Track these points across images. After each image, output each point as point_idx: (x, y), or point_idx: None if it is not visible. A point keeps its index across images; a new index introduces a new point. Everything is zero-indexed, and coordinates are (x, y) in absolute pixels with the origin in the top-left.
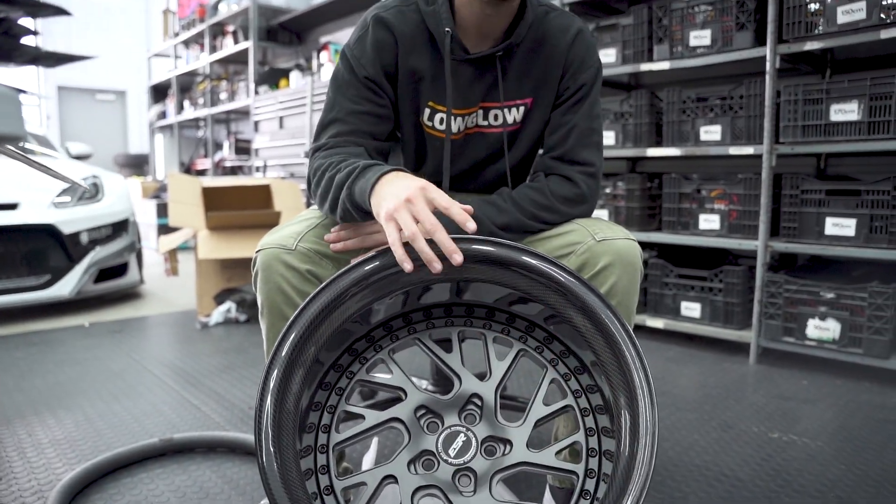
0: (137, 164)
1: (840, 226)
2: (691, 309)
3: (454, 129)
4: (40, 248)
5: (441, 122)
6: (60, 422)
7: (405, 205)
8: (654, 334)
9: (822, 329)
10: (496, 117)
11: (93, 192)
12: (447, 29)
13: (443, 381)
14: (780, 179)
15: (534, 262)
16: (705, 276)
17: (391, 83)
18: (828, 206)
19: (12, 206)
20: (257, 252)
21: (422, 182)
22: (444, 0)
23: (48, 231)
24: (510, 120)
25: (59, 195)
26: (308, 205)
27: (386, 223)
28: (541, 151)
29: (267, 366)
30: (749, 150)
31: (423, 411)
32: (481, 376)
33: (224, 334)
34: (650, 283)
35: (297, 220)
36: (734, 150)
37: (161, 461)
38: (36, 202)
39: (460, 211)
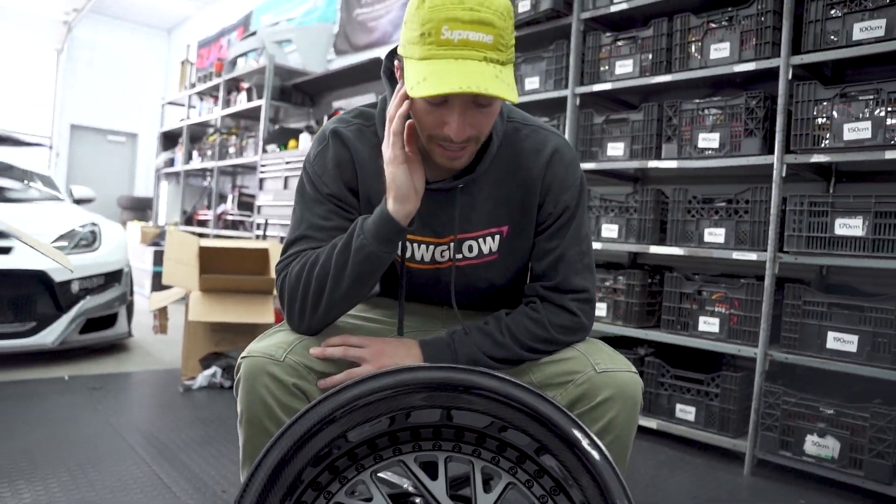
0: (141, 208)
1: (842, 340)
2: (686, 412)
3: (426, 258)
4: (29, 294)
5: (408, 251)
6: (18, 496)
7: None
8: (648, 434)
9: (820, 446)
10: (470, 248)
11: (90, 240)
12: None
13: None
14: (783, 285)
15: (524, 396)
16: (702, 380)
17: (355, 197)
18: (830, 319)
19: (5, 251)
20: (242, 358)
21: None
22: None
23: (39, 278)
24: (485, 250)
25: (55, 241)
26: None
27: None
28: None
29: (244, 485)
30: (752, 256)
31: None
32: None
33: (206, 401)
34: (646, 381)
35: (285, 326)
36: (737, 255)
37: None
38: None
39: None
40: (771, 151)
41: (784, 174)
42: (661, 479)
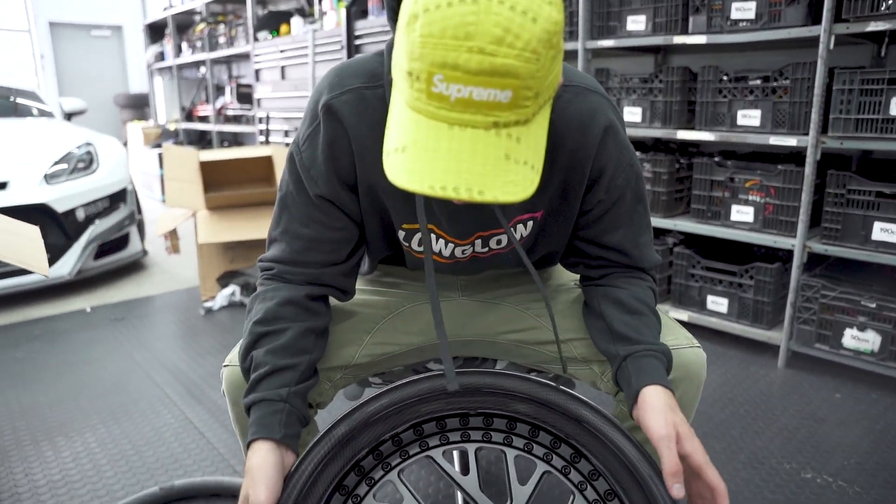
0: (139, 105)
1: (890, 232)
2: (718, 304)
3: (444, 253)
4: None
5: (420, 244)
6: (59, 455)
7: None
8: None
9: (860, 340)
10: (499, 242)
11: (87, 162)
12: None
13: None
14: (824, 171)
15: (559, 399)
16: (735, 272)
17: (353, 192)
18: (877, 209)
19: (1, 186)
20: (224, 366)
21: (252, 476)
22: None
23: (41, 210)
24: (517, 236)
25: (52, 166)
26: None
27: None
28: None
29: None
30: (792, 141)
31: None
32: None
33: (228, 322)
34: (675, 272)
35: None
36: (775, 140)
37: None
38: (27, 179)
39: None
40: (818, 21)
41: (831, 47)
42: None
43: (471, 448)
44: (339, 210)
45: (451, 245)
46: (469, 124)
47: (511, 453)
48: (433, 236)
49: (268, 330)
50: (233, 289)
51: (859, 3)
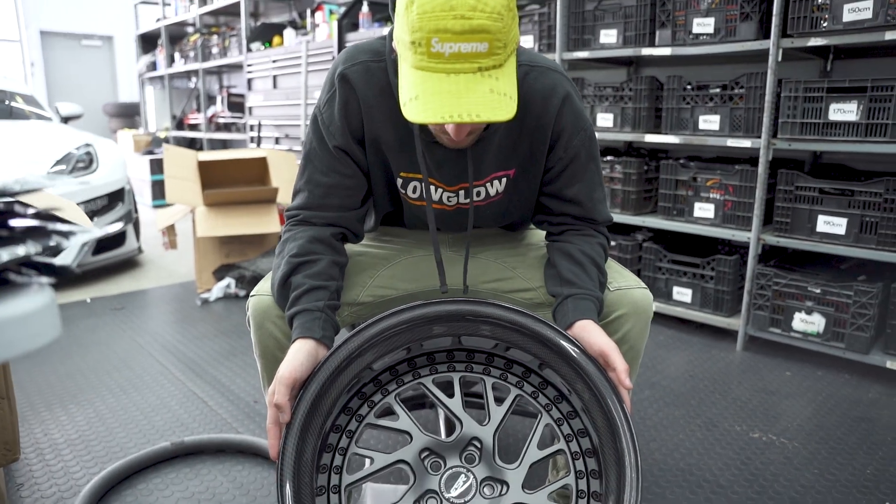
0: (128, 114)
1: (831, 224)
2: (683, 294)
3: (434, 198)
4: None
5: (415, 190)
6: (73, 419)
7: (270, 398)
8: None
9: (807, 323)
10: (478, 193)
11: (87, 162)
12: None
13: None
14: (776, 170)
15: (524, 321)
16: (698, 264)
17: (362, 147)
18: (821, 203)
19: None
20: (251, 297)
21: (286, 371)
22: None
23: None
24: (492, 192)
25: (52, 166)
26: None
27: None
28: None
29: (291, 415)
30: (746, 143)
31: (426, 453)
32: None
33: (224, 312)
34: (644, 265)
35: None
36: (732, 143)
37: (173, 465)
38: (29, 176)
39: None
40: (767, 36)
41: (780, 59)
42: (660, 361)
43: (455, 376)
44: (351, 160)
45: (440, 191)
46: (461, 71)
47: (489, 381)
48: (416, 184)
49: (304, 260)
50: (228, 281)
51: (802, 20)
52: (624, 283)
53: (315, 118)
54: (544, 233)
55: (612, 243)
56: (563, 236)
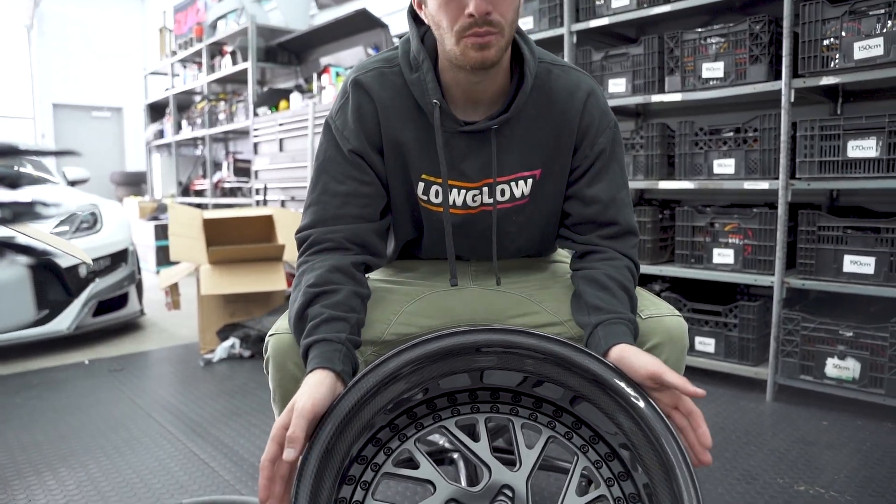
0: (135, 183)
1: (859, 263)
2: (706, 344)
3: (457, 202)
4: (37, 282)
5: (437, 195)
6: (62, 483)
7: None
8: None
9: (841, 368)
10: (503, 192)
11: (91, 223)
12: (435, 101)
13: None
14: (795, 212)
15: (555, 348)
16: (720, 311)
17: (379, 154)
18: (846, 243)
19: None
20: (270, 336)
21: (307, 402)
22: (428, 67)
23: (45, 265)
24: (517, 194)
25: (56, 226)
26: None
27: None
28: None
29: (300, 467)
30: (764, 185)
31: None
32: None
33: (228, 372)
34: None
35: None
36: (749, 185)
37: None
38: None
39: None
40: (778, 77)
41: (793, 99)
42: None
43: (480, 418)
44: (368, 166)
45: (462, 192)
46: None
47: (517, 422)
48: (438, 188)
49: (322, 290)
50: (233, 341)
51: (812, 60)
52: (656, 310)
53: (328, 125)
54: (568, 261)
55: None
56: (586, 261)
